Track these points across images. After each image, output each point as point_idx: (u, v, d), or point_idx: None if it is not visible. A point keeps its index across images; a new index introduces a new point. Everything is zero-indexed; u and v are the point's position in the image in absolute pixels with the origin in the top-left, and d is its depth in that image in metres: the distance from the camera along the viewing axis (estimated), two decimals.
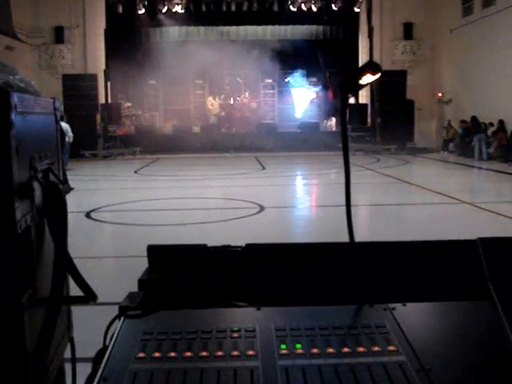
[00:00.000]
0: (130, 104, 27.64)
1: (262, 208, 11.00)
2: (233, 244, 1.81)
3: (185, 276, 1.69)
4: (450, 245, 1.64)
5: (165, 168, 19.79)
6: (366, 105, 27.33)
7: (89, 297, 1.53)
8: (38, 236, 1.37)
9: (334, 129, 26.93)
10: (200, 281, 1.65)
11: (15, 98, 1.20)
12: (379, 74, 0.98)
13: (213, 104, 28.56)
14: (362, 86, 1.03)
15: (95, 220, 10.29)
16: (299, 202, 12.54)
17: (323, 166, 19.11)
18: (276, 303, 1.46)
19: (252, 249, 1.79)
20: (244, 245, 1.82)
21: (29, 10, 25.99)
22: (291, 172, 18.13)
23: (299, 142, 23.80)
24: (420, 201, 12.07)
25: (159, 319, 1.36)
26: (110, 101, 26.88)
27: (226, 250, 1.80)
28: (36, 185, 1.36)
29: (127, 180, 16.63)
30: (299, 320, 1.35)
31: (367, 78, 1.01)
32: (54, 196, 1.37)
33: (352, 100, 28.35)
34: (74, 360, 1.73)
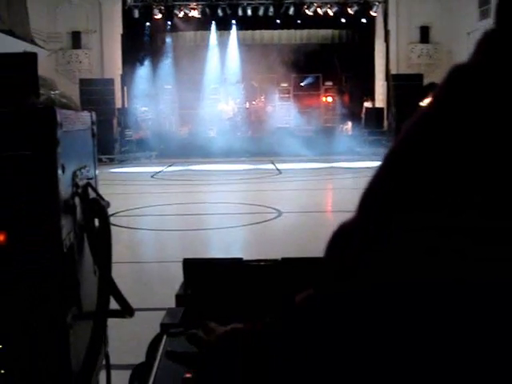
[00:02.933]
0: (146, 108, 27.74)
1: (279, 213, 10.98)
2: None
3: (221, 291, 1.67)
4: None
5: (181, 172, 19.85)
6: (382, 108, 27.26)
7: (125, 311, 1.52)
8: (79, 252, 1.37)
9: (349, 133, 26.87)
10: (237, 296, 1.64)
11: (60, 115, 1.19)
12: None
13: (224, 108, 28.57)
14: None
15: (113, 225, 10.32)
16: (317, 207, 12.50)
17: (340, 171, 19.08)
18: None
19: (288, 262, 1.77)
20: (280, 258, 1.81)
21: (46, 16, 26.24)
22: (308, 176, 18.10)
23: (315, 146, 23.73)
24: None
25: None
26: (126, 105, 27.04)
27: (261, 264, 1.78)
28: (77, 201, 1.35)
29: (144, 185, 16.69)
30: None
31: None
32: (97, 212, 1.37)
33: (369, 104, 28.32)
34: (109, 376, 1.72)
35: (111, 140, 24.25)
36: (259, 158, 23.17)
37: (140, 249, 9.17)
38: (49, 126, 1.14)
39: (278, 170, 19.66)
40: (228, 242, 9.01)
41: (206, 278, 1.72)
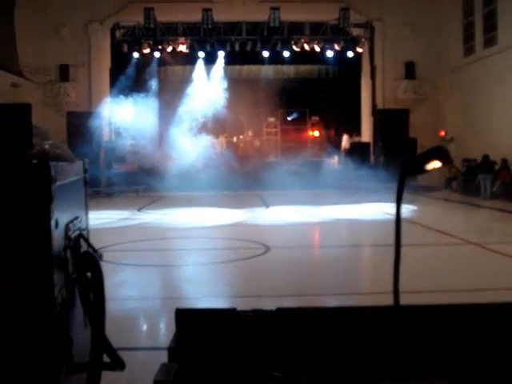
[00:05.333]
0: (133, 142, 27.68)
1: (267, 248, 10.91)
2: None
3: (216, 343, 1.62)
4: (499, 309, 1.57)
5: (169, 206, 19.76)
6: (368, 143, 27.46)
7: (116, 365, 1.48)
8: (71, 306, 1.33)
9: (336, 167, 26.97)
10: (232, 349, 1.59)
11: (55, 169, 1.17)
12: (448, 163, 0.95)
13: (214, 143, 28.64)
14: (426, 171, 0.99)
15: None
16: (305, 242, 12.45)
17: (327, 205, 19.09)
18: (313, 377, 1.40)
19: (284, 313, 1.73)
20: (275, 308, 1.77)
21: (35, 48, 26.31)
22: (295, 211, 18.08)
23: (303, 181, 23.74)
24: (427, 241, 11.97)
25: None
26: (113, 138, 27.02)
27: (256, 315, 1.74)
28: (69, 254, 1.32)
29: (131, 218, 16.58)
30: None
31: (434, 164, 0.97)
32: (90, 266, 1.33)
33: (346, 139, 28.53)
34: None
35: (98, 173, 24.13)
36: (247, 192, 23.15)
37: (122, 284, 9.02)
38: (43, 182, 1.11)
39: (265, 204, 19.62)
40: (215, 278, 8.92)
41: (199, 329, 1.68)
